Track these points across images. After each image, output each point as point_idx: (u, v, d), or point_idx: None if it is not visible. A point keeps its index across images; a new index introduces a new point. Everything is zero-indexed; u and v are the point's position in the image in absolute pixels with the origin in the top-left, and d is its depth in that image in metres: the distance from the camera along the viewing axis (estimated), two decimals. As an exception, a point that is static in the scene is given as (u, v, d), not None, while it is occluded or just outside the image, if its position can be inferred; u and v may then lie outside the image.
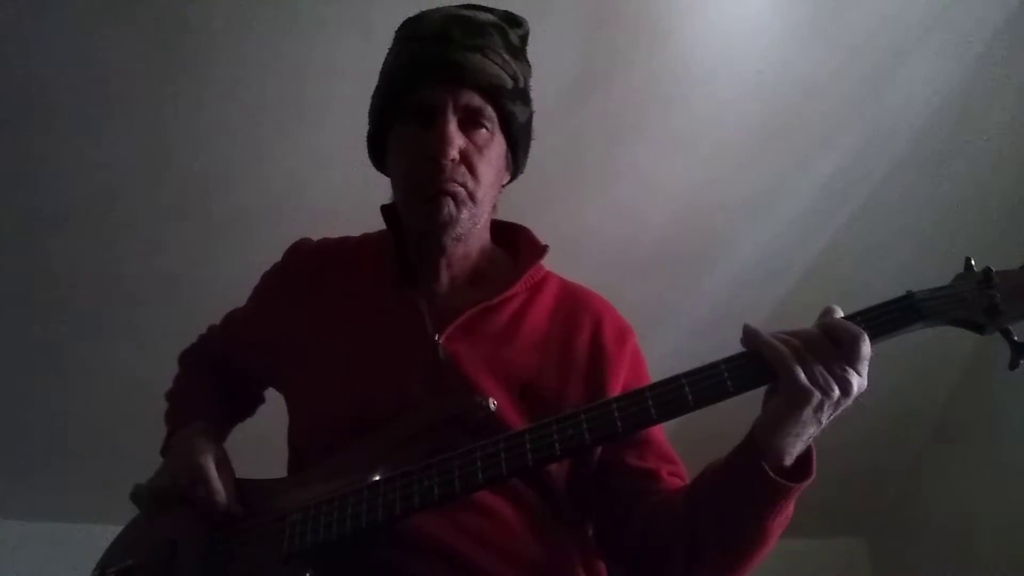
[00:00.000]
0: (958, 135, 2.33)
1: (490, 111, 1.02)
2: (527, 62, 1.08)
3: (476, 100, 1.00)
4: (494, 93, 1.01)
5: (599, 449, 1.00)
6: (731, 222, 2.45)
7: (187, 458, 1.01)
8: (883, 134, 2.32)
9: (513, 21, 1.08)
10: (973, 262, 0.87)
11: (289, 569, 0.91)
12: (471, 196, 1.01)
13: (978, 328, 0.85)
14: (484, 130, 1.02)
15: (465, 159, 1.00)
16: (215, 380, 1.21)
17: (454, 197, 1.00)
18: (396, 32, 1.08)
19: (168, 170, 2.11)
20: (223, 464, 1.02)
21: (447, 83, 0.99)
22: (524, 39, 1.09)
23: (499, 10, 1.08)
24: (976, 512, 2.70)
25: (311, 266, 1.15)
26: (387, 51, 1.09)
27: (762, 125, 2.25)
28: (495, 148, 1.04)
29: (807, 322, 0.86)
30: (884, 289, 0.85)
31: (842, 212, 2.48)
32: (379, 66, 1.09)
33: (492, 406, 0.92)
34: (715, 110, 2.21)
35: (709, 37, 2.08)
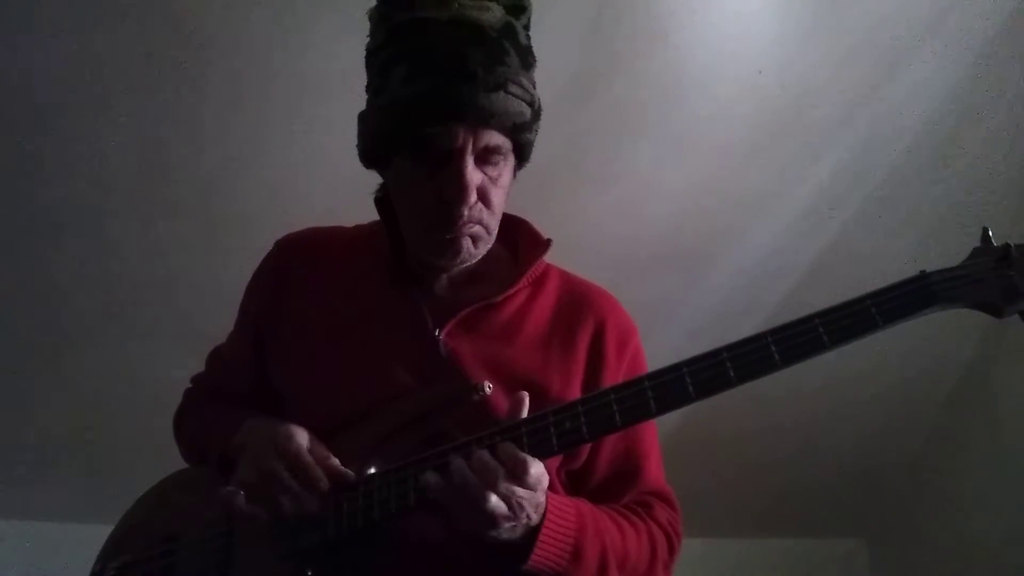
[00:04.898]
0: (958, 135, 2.32)
1: (508, 144, 0.97)
2: (534, 56, 1.01)
3: (496, 138, 0.94)
4: (516, 130, 0.96)
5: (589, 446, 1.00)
6: (731, 221, 2.44)
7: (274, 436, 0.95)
8: (883, 134, 2.31)
9: (518, 8, 0.98)
10: (991, 233, 0.81)
11: (286, 567, 0.91)
12: (488, 230, 0.99)
13: (995, 311, 0.80)
14: (500, 162, 0.97)
15: (481, 195, 0.96)
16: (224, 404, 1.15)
17: (473, 237, 0.98)
18: (391, 18, 0.96)
19: (168, 170, 2.11)
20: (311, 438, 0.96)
21: (468, 124, 0.92)
22: (528, 26, 1.01)
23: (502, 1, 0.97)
24: (976, 512, 2.70)
25: (299, 258, 1.11)
26: (373, 34, 0.99)
27: (762, 125, 2.25)
28: (507, 173, 1.00)
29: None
30: (884, 288, 0.84)
31: (842, 212, 2.47)
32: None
33: (487, 389, 0.91)
34: (715, 110, 2.20)
35: (709, 37, 2.08)
